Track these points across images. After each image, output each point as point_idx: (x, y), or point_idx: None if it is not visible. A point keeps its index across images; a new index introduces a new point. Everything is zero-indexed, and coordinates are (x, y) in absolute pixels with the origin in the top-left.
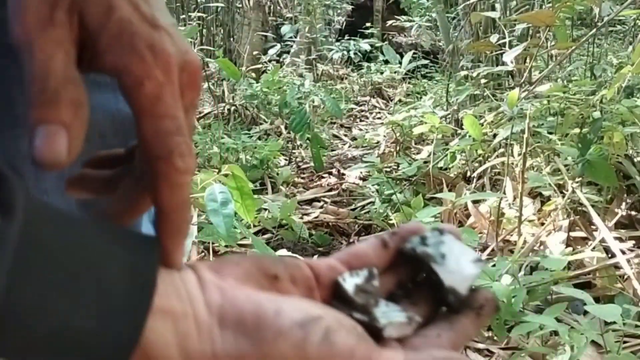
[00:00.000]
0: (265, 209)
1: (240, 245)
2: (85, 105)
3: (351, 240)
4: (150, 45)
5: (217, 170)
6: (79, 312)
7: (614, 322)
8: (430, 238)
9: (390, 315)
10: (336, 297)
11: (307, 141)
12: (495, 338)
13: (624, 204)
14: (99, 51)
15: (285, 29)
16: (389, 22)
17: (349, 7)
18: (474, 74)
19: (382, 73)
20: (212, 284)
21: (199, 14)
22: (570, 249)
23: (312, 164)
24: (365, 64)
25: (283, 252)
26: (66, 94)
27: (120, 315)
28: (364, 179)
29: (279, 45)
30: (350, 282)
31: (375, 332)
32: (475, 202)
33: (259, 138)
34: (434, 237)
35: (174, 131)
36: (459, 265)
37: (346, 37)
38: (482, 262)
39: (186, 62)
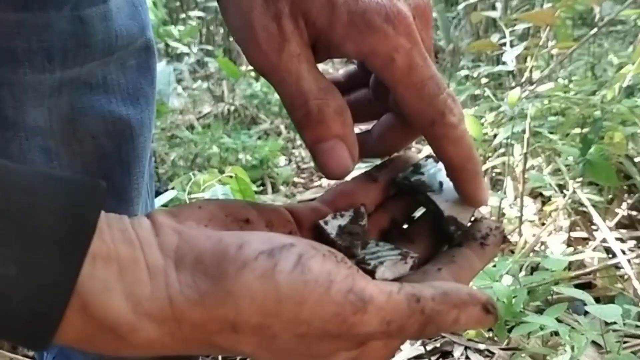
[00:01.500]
0: None
1: None
2: (346, 107)
3: None
4: (385, 15)
5: (216, 170)
6: None
7: (615, 323)
8: (425, 166)
9: (381, 254)
10: (317, 241)
11: None
12: (495, 338)
13: (624, 204)
14: (335, 42)
15: None
16: None
17: None
18: (475, 74)
19: None
20: (167, 227)
21: (199, 14)
22: (571, 249)
23: (312, 164)
24: None
25: None
26: (328, 108)
27: (49, 261)
28: None
29: None
30: (332, 225)
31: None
32: None
33: (259, 138)
34: (429, 165)
35: (436, 91)
36: (457, 193)
37: None
38: None
39: (415, 8)
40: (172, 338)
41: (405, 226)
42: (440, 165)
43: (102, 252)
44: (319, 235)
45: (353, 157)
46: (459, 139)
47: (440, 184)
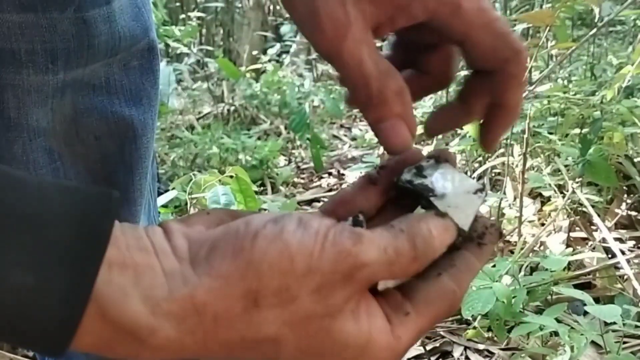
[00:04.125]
0: (265, 209)
1: None
2: (405, 87)
3: None
4: None
5: (217, 170)
6: (11, 267)
7: (614, 323)
8: (427, 168)
9: None
10: None
11: (307, 141)
12: (495, 339)
13: (624, 204)
14: (401, 8)
15: (285, 29)
16: None
17: None
18: None
19: None
20: (178, 232)
21: (199, 14)
22: (570, 249)
23: (311, 164)
24: None
25: None
26: (389, 90)
27: (65, 269)
28: None
29: (278, 45)
30: None
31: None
32: None
33: (259, 138)
34: (431, 167)
35: (507, 29)
36: (460, 198)
37: None
38: (484, 192)
39: None
40: (192, 337)
41: None
42: (443, 166)
43: (117, 260)
44: None
45: (413, 134)
46: (523, 83)
47: (442, 187)
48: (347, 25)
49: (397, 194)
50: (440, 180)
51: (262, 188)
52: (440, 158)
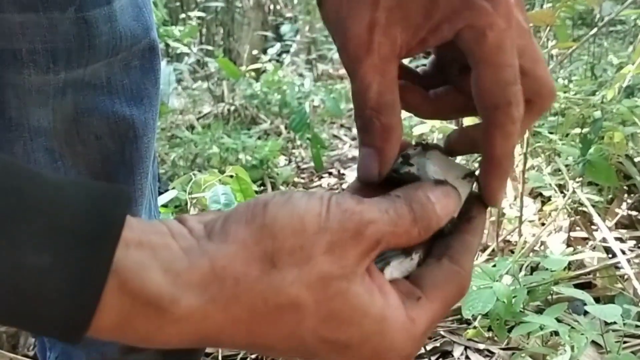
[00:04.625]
0: None
1: None
2: (397, 129)
3: None
4: None
5: (217, 170)
6: (27, 249)
7: (614, 322)
8: (414, 157)
9: (387, 255)
10: None
11: (307, 141)
12: (495, 338)
13: (624, 204)
14: (432, 30)
15: (285, 29)
16: None
17: None
18: None
19: None
20: (193, 219)
21: (199, 14)
22: (570, 249)
23: (312, 164)
24: None
25: None
26: (378, 122)
27: (83, 248)
28: None
29: (279, 45)
30: None
31: None
32: None
33: (259, 138)
34: (418, 155)
35: (512, 81)
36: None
37: None
38: (473, 176)
39: None
40: (214, 305)
41: None
42: (431, 154)
43: (134, 239)
44: None
45: (381, 171)
46: (510, 135)
47: (434, 173)
48: (368, 51)
49: (386, 184)
50: (429, 166)
51: (262, 188)
52: (428, 145)
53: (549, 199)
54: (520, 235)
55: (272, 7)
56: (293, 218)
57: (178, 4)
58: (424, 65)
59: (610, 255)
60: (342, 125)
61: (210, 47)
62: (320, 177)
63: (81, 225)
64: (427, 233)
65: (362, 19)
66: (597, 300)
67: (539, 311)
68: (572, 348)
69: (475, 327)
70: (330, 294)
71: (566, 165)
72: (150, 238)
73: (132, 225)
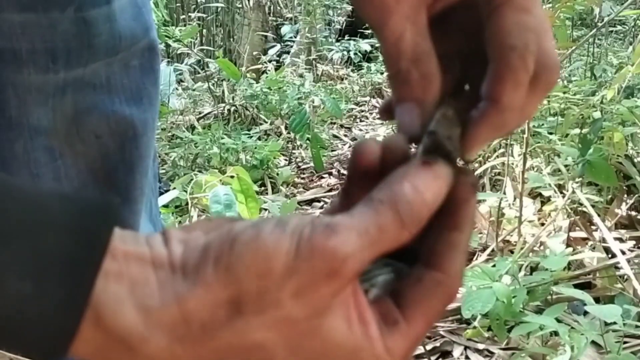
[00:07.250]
0: (265, 209)
1: None
2: (436, 76)
3: None
4: None
5: (217, 170)
6: (10, 274)
7: (614, 323)
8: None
9: (375, 273)
10: None
11: (307, 141)
12: (495, 338)
13: (624, 204)
14: None
15: (285, 29)
16: None
17: (349, 7)
18: None
19: (382, 73)
20: (176, 239)
21: (199, 14)
22: (570, 249)
23: (312, 164)
24: (366, 64)
25: None
26: (416, 73)
27: (63, 278)
28: None
29: (279, 46)
30: None
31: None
32: None
33: (259, 138)
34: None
35: (532, 29)
36: None
37: (346, 38)
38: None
39: None
40: (182, 346)
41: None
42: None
43: (114, 270)
44: None
45: (423, 123)
46: (520, 84)
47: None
48: (397, 1)
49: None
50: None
51: (262, 188)
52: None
53: (548, 199)
54: (519, 235)
55: (272, 7)
56: (258, 259)
57: (178, 4)
58: None
59: (610, 256)
60: (342, 126)
61: (210, 48)
62: (321, 177)
63: (65, 249)
64: (418, 227)
65: None
66: (597, 300)
67: (539, 311)
68: (572, 348)
69: (475, 327)
70: (301, 332)
71: (566, 166)
72: (130, 267)
73: (115, 250)
